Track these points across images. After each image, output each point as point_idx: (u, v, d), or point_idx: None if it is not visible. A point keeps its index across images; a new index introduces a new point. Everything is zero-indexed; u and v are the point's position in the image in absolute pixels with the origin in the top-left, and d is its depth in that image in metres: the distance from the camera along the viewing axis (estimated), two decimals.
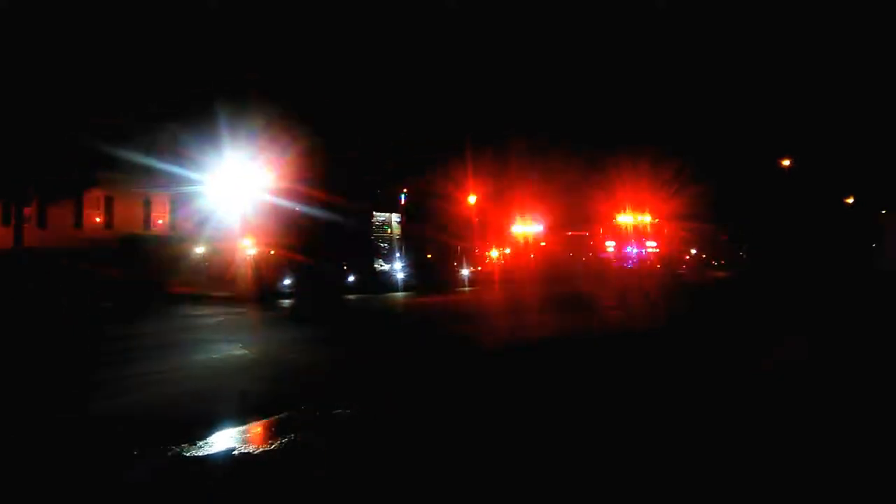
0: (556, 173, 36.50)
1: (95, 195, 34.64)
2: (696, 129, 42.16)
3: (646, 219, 42.82)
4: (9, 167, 25.75)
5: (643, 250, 42.34)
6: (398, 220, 28.00)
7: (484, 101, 36.10)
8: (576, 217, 40.37)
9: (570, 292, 23.24)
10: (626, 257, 41.70)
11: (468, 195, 32.94)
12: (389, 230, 27.94)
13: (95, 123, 28.33)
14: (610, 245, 43.01)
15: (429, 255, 27.03)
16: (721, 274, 40.11)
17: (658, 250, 42.74)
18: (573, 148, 36.19)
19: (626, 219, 43.02)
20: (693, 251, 48.77)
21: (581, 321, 14.97)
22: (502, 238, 34.08)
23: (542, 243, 33.44)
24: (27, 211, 32.04)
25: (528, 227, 33.35)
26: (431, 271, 24.92)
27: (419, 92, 31.18)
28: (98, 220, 36.97)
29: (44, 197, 31.20)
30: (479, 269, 28.50)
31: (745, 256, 51.08)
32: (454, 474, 4.90)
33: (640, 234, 42.57)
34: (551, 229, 35.17)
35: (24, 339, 11.46)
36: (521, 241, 33.29)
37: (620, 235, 43.07)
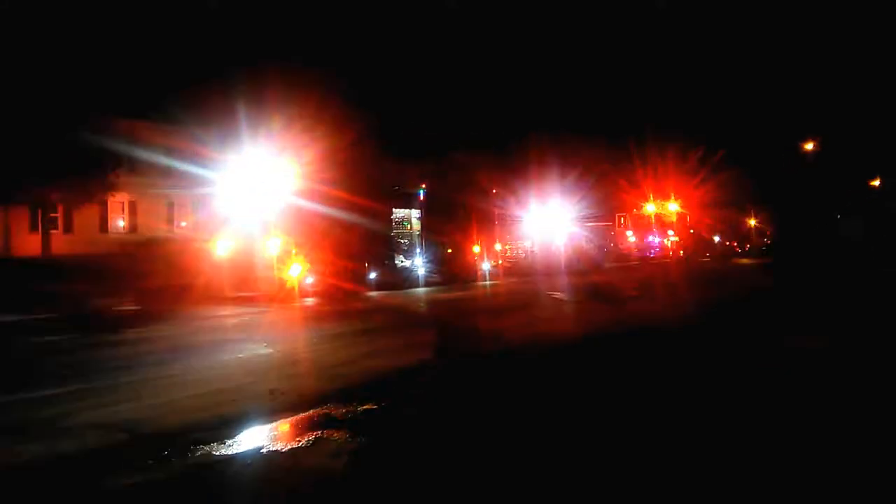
0: (578, 163, 36.26)
1: (119, 199, 35.18)
2: (722, 116, 41.63)
3: (670, 207, 42.33)
4: (33, 174, 26.15)
5: (666, 239, 41.87)
6: (417, 215, 27.98)
7: (502, 92, 35.96)
8: (598, 208, 40.05)
9: (590, 283, 23.12)
10: (649, 246, 41.27)
11: (489, 189, 32.75)
12: (409, 226, 27.93)
13: (116, 127, 28.72)
14: (632, 235, 42.57)
15: (449, 250, 26.97)
16: (746, 261, 39.57)
17: (681, 239, 42.24)
18: (596, 137, 35.89)
19: (649, 207, 42.59)
20: (717, 238, 48.14)
21: (594, 313, 14.84)
22: (524, 230, 33.91)
23: (564, 234, 33.19)
24: (53, 217, 32.62)
25: (548, 219, 33.14)
26: (452, 266, 24.89)
27: (437, 86, 31.14)
28: (122, 223, 37.55)
29: (69, 203, 31.72)
30: (501, 262, 28.37)
31: (770, 243, 50.38)
32: (476, 474, 4.87)
33: (663, 223, 42.11)
34: (572, 221, 34.92)
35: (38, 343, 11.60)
36: (543, 232, 33.07)
37: (643, 224, 42.64)
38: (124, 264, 26.15)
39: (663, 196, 42.54)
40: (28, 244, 32.16)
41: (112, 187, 31.21)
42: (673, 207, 42.27)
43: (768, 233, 53.29)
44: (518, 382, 7.83)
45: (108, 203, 34.88)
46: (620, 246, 42.08)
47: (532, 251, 31.74)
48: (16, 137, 23.36)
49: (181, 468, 5.14)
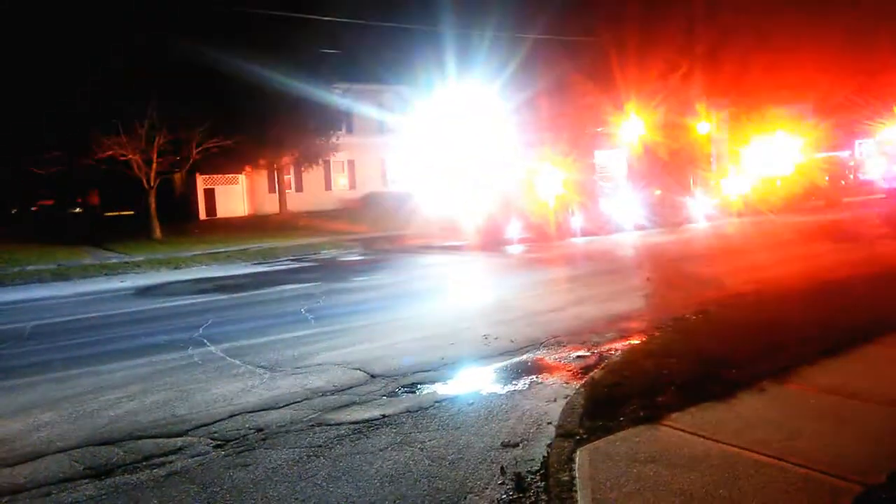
0: (814, 87, 31.77)
1: (339, 159, 38.57)
2: None
3: None
4: (272, 142, 29.46)
5: None
6: (621, 156, 26.93)
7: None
8: (834, 135, 34.90)
9: (824, 221, 20.62)
10: None
11: (700, 121, 30.35)
12: (612, 169, 27.01)
13: (335, 92, 31.20)
14: (876, 163, 36.50)
15: (657, 192, 25.56)
16: None
17: None
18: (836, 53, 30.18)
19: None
20: None
21: (829, 256, 13.15)
22: (743, 166, 30.85)
23: (789, 167, 29.53)
24: (286, 178, 36.79)
25: (773, 151, 29.67)
26: (661, 208, 23.59)
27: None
28: (343, 181, 41.26)
29: (299, 164, 35.53)
30: (719, 201, 26.19)
31: None
32: None
33: None
34: (802, 151, 30.94)
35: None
36: (766, 166, 29.75)
37: (890, 150, 36.38)
38: (347, 218, 28.80)
39: None
40: (267, 204, 36.81)
41: (334, 148, 34.25)
42: None
43: None
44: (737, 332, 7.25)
45: (331, 163, 38.46)
46: (861, 177, 36.50)
47: (756, 188, 28.82)
48: (257, 110, 26.34)
49: (412, 405, 5.61)
